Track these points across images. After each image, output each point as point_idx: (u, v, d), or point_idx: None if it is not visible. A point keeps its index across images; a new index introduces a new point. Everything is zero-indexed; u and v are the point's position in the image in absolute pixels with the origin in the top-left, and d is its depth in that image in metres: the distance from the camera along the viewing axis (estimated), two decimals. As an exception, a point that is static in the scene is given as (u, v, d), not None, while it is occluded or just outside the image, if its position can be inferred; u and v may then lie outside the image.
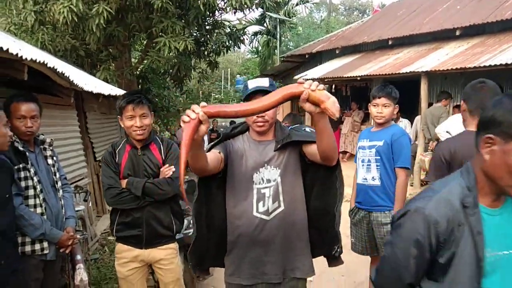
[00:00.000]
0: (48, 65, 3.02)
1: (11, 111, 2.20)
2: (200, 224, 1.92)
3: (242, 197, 1.90)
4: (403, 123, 7.24)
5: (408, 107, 7.71)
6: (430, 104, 7.02)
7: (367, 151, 3.02)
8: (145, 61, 9.77)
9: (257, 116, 1.82)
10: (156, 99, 11.90)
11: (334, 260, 2.03)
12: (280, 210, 1.88)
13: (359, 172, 3.08)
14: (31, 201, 2.24)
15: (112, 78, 8.59)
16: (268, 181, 1.89)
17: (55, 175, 2.44)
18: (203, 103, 1.43)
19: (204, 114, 1.39)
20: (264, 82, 1.86)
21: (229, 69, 26.01)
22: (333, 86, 10.33)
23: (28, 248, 2.22)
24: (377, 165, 2.94)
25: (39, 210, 2.26)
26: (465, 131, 2.30)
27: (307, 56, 11.89)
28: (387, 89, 2.92)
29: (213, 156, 1.78)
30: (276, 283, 1.91)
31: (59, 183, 2.46)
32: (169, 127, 14.84)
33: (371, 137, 3.03)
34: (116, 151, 2.34)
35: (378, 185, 2.93)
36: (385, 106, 2.90)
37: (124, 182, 2.29)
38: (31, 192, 2.24)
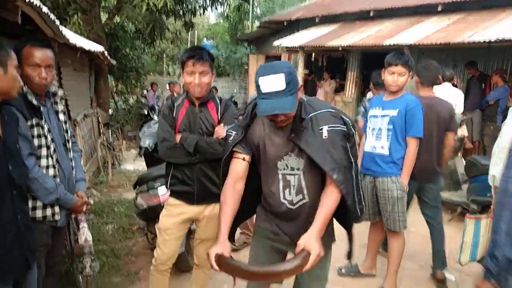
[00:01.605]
0: (43, 10, 2.71)
1: (23, 56, 1.92)
2: None
3: (271, 181, 1.87)
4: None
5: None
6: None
7: (379, 120, 3.00)
8: (117, 18, 9.19)
9: (274, 116, 1.69)
10: (124, 60, 11.33)
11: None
12: (305, 201, 1.86)
13: (368, 140, 3.07)
14: (43, 162, 2.01)
15: (83, 34, 8.02)
16: (292, 169, 1.83)
17: (67, 132, 2.21)
18: (213, 263, 1.61)
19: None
20: (279, 85, 1.60)
21: (196, 31, 25.15)
22: (312, 56, 10.22)
23: (39, 213, 2.02)
24: (388, 134, 2.94)
25: (51, 171, 2.05)
26: (418, 96, 3.17)
27: (285, 23, 11.65)
28: (404, 58, 2.87)
29: (241, 170, 1.85)
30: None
31: (70, 142, 2.24)
32: (135, 89, 14.27)
33: (384, 105, 3.00)
34: (175, 105, 2.30)
35: (386, 154, 2.95)
36: (401, 75, 2.86)
37: (178, 137, 2.26)
38: (44, 151, 2.01)
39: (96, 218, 4.44)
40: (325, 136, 1.70)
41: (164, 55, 21.07)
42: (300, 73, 9.47)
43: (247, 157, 1.84)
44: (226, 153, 1.86)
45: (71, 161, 2.23)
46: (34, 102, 1.97)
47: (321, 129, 1.71)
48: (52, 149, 2.04)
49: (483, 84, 7.02)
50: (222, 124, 2.27)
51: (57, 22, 3.26)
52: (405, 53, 2.93)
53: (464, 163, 4.94)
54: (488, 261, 1.57)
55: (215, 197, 2.20)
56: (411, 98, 2.95)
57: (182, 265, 3.12)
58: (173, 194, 2.41)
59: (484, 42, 5.97)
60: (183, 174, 2.32)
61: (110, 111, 9.64)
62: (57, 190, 2.03)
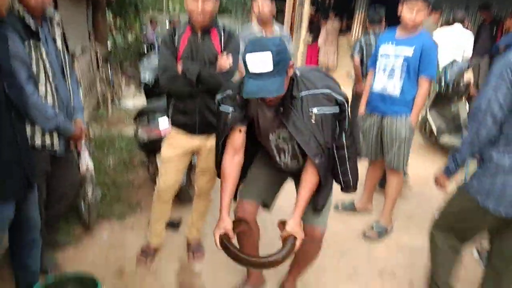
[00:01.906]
0: None
1: None
2: None
3: (267, 145, 1.97)
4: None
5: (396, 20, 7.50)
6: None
7: (391, 59, 2.87)
8: None
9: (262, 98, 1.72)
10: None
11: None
12: (299, 165, 1.97)
13: (379, 79, 2.96)
14: (41, 88, 1.95)
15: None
16: (285, 139, 1.87)
17: (65, 59, 2.13)
18: (218, 243, 1.79)
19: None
20: (266, 65, 1.54)
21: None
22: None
23: (38, 141, 2.01)
24: (401, 75, 2.83)
25: (49, 99, 2.00)
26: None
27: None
28: None
29: (239, 141, 1.90)
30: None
31: (68, 69, 2.16)
32: (135, 25, 13.80)
33: (398, 42, 2.85)
34: (176, 33, 2.21)
35: (397, 94, 2.86)
36: (420, 11, 2.69)
37: (179, 65, 2.18)
38: (41, 77, 1.94)
39: (97, 152, 4.46)
40: (314, 120, 1.71)
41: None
42: (306, 11, 9.10)
43: (243, 128, 1.89)
44: (224, 133, 1.87)
45: (69, 89, 2.18)
46: (32, 24, 1.87)
47: (311, 111, 1.72)
48: (50, 75, 1.98)
49: (494, 29, 6.77)
50: (225, 54, 2.20)
51: None
52: None
53: (468, 108, 4.89)
54: (449, 161, 1.90)
55: (215, 128, 2.20)
56: (428, 37, 2.79)
57: (183, 197, 3.18)
58: (175, 125, 2.39)
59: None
60: (184, 105, 2.28)
61: (109, 47, 9.39)
62: (57, 118, 2.00)
